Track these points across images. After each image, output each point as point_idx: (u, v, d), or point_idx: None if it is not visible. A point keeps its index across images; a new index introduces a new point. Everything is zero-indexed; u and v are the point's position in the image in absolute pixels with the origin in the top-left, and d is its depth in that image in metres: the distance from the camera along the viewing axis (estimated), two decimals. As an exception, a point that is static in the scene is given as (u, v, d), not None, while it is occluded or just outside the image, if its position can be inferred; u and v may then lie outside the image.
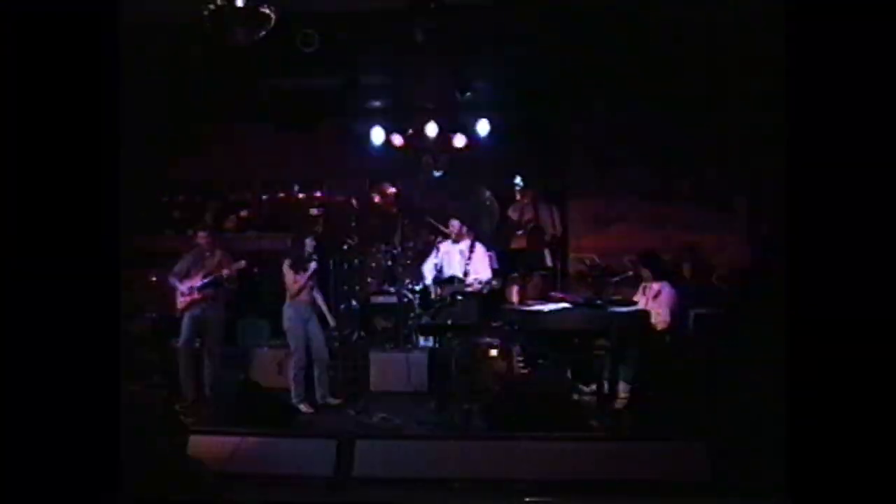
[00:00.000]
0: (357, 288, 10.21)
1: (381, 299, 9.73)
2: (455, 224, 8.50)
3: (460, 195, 10.82)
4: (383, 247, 10.12)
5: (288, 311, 7.94)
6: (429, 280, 8.45)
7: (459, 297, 8.07)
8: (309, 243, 8.02)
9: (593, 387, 7.44)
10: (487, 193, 10.79)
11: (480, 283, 7.96)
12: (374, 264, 10.29)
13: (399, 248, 9.99)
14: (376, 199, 11.02)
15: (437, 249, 8.54)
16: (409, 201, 10.98)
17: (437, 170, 10.70)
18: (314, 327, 7.95)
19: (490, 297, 8.34)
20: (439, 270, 8.36)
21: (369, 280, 10.34)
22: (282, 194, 11.26)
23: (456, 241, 8.44)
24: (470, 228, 8.69)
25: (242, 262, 8.27)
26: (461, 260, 8.36)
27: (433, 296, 8.30)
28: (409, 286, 9.38)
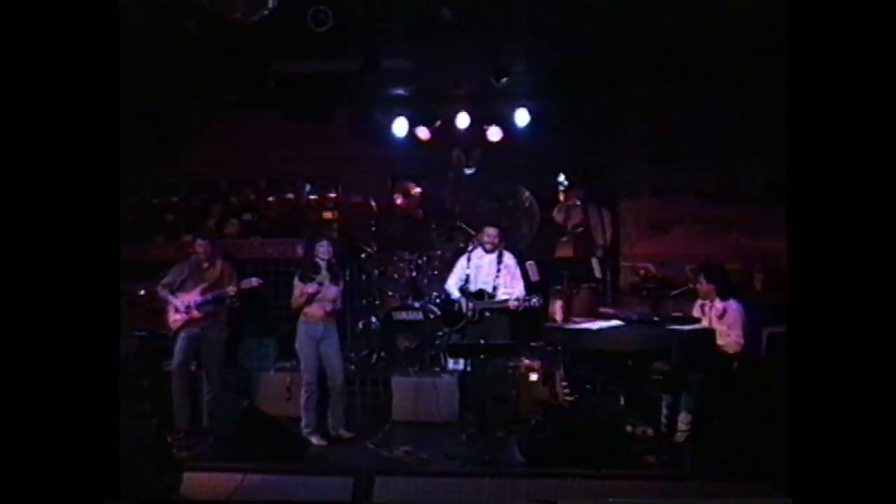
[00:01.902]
0: (377, 302, 10.21)
1: (404, 315, 9.70)
2: (491, 231, 8.39)
3: (495, 196, 10.85)
4: (407, 255, 10.11)
5: (299, 329, 8.01)
6: (454, 293, 8.41)
7: (488, 314, 8.06)
8: (322, 249, 8.04)
9: (650, 417, 7.45)
10: (527, 194, 10.80)
11: (518, 300, 7.88)
12: (396, 275, 10.25)
13: (425, 258, 10.01)
14: (399, 200, 11.13)
15: (469, 259, 8.48)
16: (436, 203, 11.05)
17: (469, 167, 10.74)
18: (329, 347, 7.99)
19: (526, 314, 8.35)
20: (467, 282, 8.30)
21: (390, 293, 10.31)
22: (291, 195, 11.42)
23: (490, 252, 8.36)
24: (503, 238, 8.65)
25: (254, 281, 8.31)
26: (492, 272, 8.31)
27: (460, 311, 8.25)
28: (437, 300, 9.40)
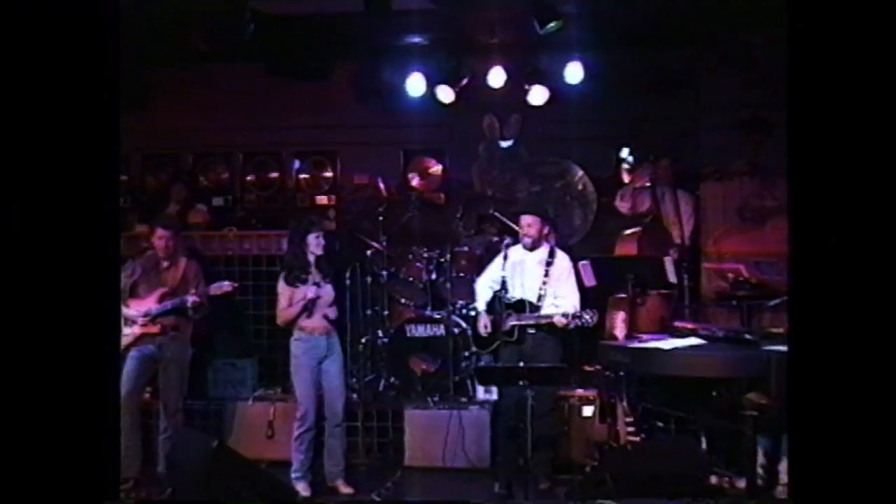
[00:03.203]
0: (385, 313, 10.21)
1: (420, 329, 9.78)
2: (529, 221, 8.33)
3: (539, 176, 10.89)
4: (424, 252, 10.16)
5: (295, 348, 8.08)
6: (483, 302, 8.48)
7: (532, 332, 8.09)
8: (314, 242, 8.08)
9: (741, 465, 7.24)
10: (580, 174, 10.88)
11: (567, 315, 7.89)
12: (411, 278, 10.27)
13: (447, 255, 9.99)
14: (414, 181, 11.23)
15: (505, 258, 8.49)
16: (462, 185, 11.11)
17: (505, 138, 10.83)
18: (332, 366, 8.10)
19: (580, 332, 8.39)
20: (503, 288, 8.29)
21: (403, 301, 10.37)
22: (275, 174, 11.51)
23: (532, 248, 8.34)
24: (551, 228, 8.66)
25: (227, 285, 8.31)
26: (537, 276, 8.29)
27: (487, 329, 8.31)
28: (463, 310, 9.44)
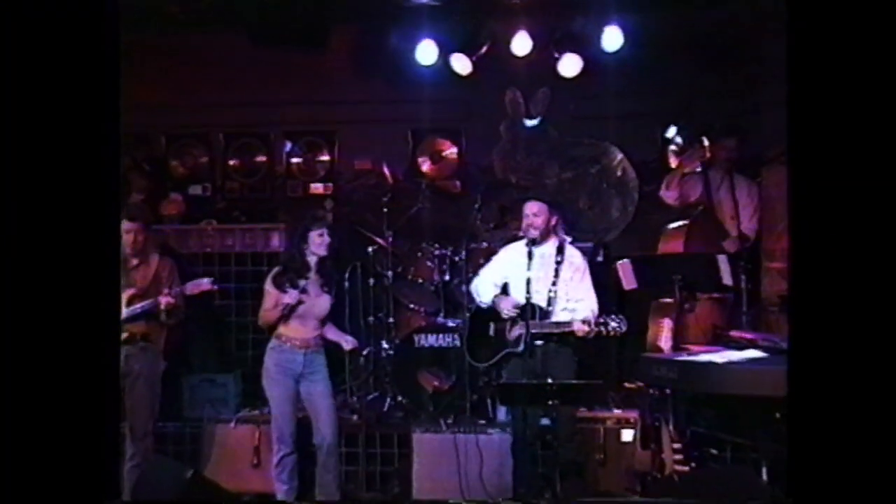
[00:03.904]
0: (391, 320, 10.29)
1: (431, 340, 9.81)
2: (535, 209, 8.36)
3: (571, 160, 10.92)
4: (436, 249, 10.17)
5: (268, 358, 8.14)
6: (485, 293, 8.53)
7: (539, 343, 8.06)
8: (318, 240, 8.14)
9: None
10: (619, 157, 10.95)
11: (587, 322, 7.91)
12: (420, 279, 10.28)
13: (463, 252, 9.98)
14: (425, 166, 11.25)
15: (509, 254, 8.62)
16: (481, 170, 11.16)
17: (531, 115, 10.83)
18: (314, 386, 8.15)
19: (606, 342, 8.52)
20: (504, 291, 8.38)
21: (411, 306, 10.38)
22: (262, 157, 11.52)
23: (538, 242, 8.32)
24: (559, 218, 8.62)
25: (205, 282, 8.30)
26: (545, 276, 8.27)
27: (499, 336, 8.33)
28: (466, 313, 9.34)
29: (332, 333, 8.38)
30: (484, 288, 8.54)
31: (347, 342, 8.39)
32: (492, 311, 8.38)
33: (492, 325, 8.37)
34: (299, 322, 8.10)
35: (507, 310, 8.23)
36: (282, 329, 8.10)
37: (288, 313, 8.04)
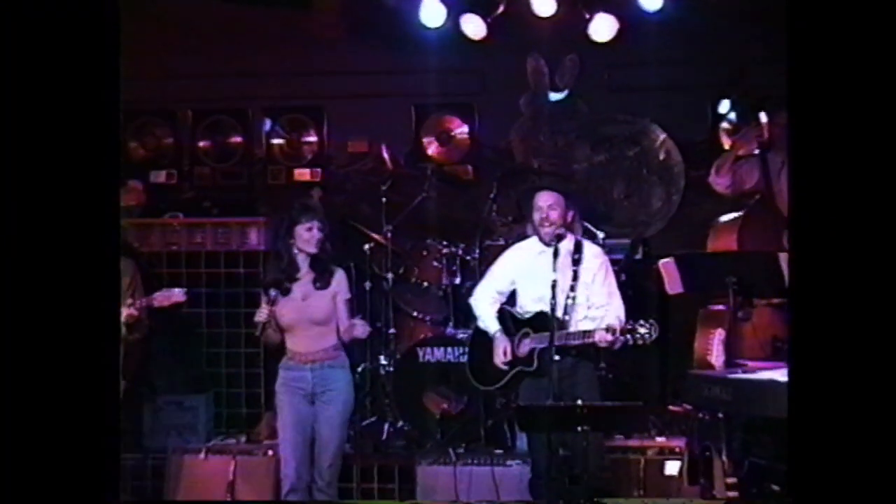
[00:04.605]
0: (391, 331, 10.15)
1: (439, 354, 9.70)
2: (551, 201, 8.19)
3: (604, 140, 10.78)
4: (444, 246, 10.07)
5: (279, 375, 8.12)
6: (491, 319, 8.39)
7: (558, 358, 7.77)
8: (304, 234, 7.98)
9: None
10: (662, 137, 10.87)
11: (612, 329, 7.68)
12: (426, 283, 10.18)
13: (476, 251, 9.95)
14: (431, 149, 11.14)
15: (518, 255, 8.49)
16: (497, 153, 11.15)
17: (557, 88, 10.67)
18: (327, 410, 8.02)
19: (646, 353, 8.60)
20: (512, 300, 8.33)
21: (415, 314, 10.32)
22: (238, 138, 11.38)
23: (553, 241, 8.08)
24: (576, 212, 8.50)
25: (177, 293, 8.33)
26: (561, 279, 8.03)
27: (507, 356, 8.16)
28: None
29: (346, 330, 8.10)
30: (484, 300, 8.44)
31: (357, 328, 8.05)
32: (500, 321, 8.25)
33: (497, 342, 8.19)
34: (299, 333, 7.96)
35: (500, 354, 8.14)
36: (288, 344, 8.00)
37: (260, 331, 7.93)
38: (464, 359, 9.25)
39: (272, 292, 7.89)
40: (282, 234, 8.08)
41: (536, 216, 8.20)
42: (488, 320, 8.31)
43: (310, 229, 7.92)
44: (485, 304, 8.41)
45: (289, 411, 7.96)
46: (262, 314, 7.82)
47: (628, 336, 7.61)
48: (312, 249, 7.93)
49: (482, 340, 8.41)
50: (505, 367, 8.09)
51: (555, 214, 8.09)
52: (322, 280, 8.01)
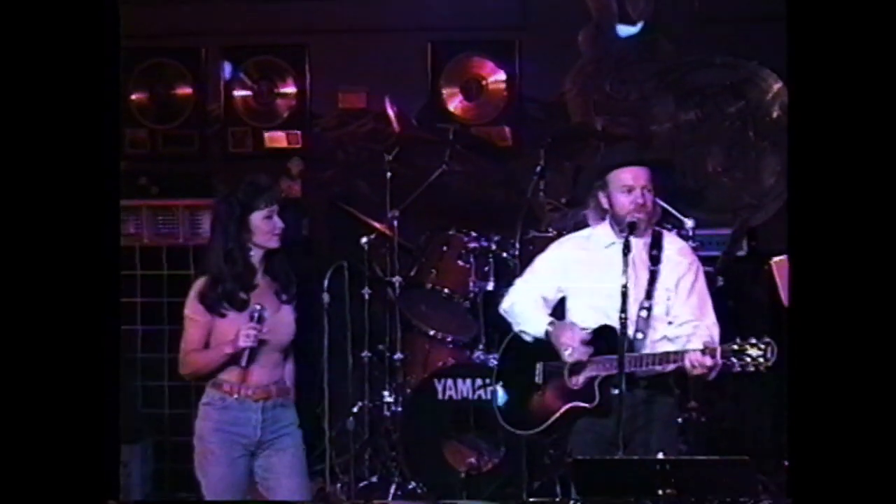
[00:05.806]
0: (398, 355, 9.23)
1: (463, 388, 8.71)
2: (642, 179, 7.08)
3: (694, 91, 10.08)
4: (471, 239, 8.98)
5: (199, 419, 7.00)
6: (528, 313, 7.20)
7: (625, 391, 6.76)
8: (262, 225, 6.84)
9: None
10: (776, 86, 9.88)
11: (708, 351, 6.57)
12: (446, 289, 9.04)
13: (516, 246, 8.91)
14: (455, 102, 10.24)
15: (574, 249, 7.38)
16: (545, 109, 10.37)
17: (631, 21, 10.04)
18: (282, 459, 7.02)
19: (752, 384, 8.49)
20: (561, 309, 7.18)
21: (432, 334, 9.22)
22: (186, 88, 10.44)
23: (638, 233, 6.97)
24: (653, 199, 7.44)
25: None
26: (635, 284, 6.94)
27: (575, 345, 6.87)
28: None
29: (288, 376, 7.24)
30: (525, 306, 7.20)
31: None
32: (541, 343, 7.03)
33: (540, 367, 7.02)
34: (266, 359, 6.87)
35: (570, 349, 6.88)
36: (225, 374, 6.76)
37: (241, 358, 6.71)
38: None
39: (257, 306, 6.71)
40: (232, 227, 6.82)
41: (624, 200, 6.95)
42: (533, 317, 7.07)
43: (269, 217, 6.83)
44: (526, 307, 7.21)
45: (226, 468, 6.88)
46: (247, 338, 6.58)
47: (734, 359, 6.49)
48: (273, 244, 6.87)
49: (517, 364, 7.30)
50: (578, 355, 6.88)
51: (651, 198, 7.01)
52: (288, 290, 6.99)
